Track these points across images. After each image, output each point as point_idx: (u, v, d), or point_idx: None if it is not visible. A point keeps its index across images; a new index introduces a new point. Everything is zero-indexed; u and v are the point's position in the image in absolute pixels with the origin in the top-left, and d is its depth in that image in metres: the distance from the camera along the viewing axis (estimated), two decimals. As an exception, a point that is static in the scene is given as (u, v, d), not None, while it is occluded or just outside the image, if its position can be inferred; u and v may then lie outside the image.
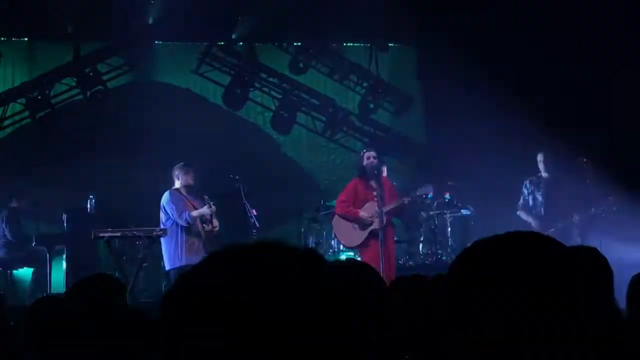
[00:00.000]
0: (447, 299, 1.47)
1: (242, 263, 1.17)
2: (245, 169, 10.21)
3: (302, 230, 11.09)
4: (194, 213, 8.99)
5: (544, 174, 9.52)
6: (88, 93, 11.29)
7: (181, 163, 9.26)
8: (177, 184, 9.21)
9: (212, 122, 11.50)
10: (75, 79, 11.46)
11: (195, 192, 9.25)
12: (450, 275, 1.47)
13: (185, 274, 1.18)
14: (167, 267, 9.12)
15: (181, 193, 9.14)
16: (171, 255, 9.06)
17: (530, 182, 9.61)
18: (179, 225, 9.00)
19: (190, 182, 9.15)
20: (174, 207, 8.99)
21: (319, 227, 11.06)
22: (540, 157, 9.51)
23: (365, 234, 9.50)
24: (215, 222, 9.18)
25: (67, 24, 10.95)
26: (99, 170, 10.54)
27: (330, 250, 10.93)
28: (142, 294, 9.73)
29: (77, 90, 11.46)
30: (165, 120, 10.94)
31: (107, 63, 11.61)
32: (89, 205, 10.25)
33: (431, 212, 10.70)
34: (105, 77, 11.46)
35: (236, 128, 11.65)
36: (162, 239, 9.15)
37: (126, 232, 9.73)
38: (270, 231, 9.89)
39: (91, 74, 11.32)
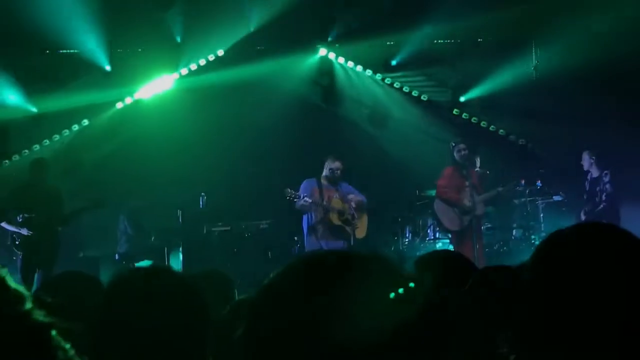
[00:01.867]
0: (529, 278, 1.59)
1: (316, 277, 1.19)
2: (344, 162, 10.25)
3: (399, 219, 11.45)
4: (297, 202, 9.53)
5: (591, 172, 9.95)
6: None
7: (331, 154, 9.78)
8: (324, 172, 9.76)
9: (312, 120, 11.92)
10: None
11: (338, 181, 9.70)
12: (535, 258, 1.61)
13: (269, 281, 1.23)
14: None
15: (319, 182, 9.65)
16: (304, 237, 9.76)
17: (586, 181, 10.10)
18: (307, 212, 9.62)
19: (328, 172, 9.64)
20: (299, 194, 9.52)
21: (414, 217, 11.42)
22: (584, 156, 9.98)
23: (466, 219, 9.86)
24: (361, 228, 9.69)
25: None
26: (209, 168, 11.06)
27: (427, 239, 11.35)
28: (245, 287, 10.23)
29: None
30: (267, 119, 11.38)
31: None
32: (201, 202, 10.94)
33: (523, 199, 10.93)
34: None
35: (335, 124, 12.07)
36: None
37: (235, 227, 10.58)
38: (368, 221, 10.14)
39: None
